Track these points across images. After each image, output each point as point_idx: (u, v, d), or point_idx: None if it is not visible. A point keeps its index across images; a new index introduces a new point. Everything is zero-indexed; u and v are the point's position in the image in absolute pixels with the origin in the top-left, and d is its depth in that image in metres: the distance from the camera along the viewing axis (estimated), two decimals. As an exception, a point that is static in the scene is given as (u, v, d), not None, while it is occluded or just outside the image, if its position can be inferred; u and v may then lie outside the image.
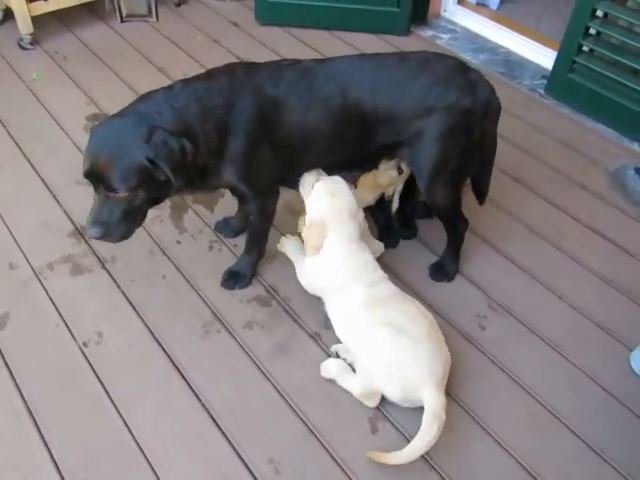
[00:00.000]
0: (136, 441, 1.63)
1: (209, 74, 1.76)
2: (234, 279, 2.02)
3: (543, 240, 2.28)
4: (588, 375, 1.86)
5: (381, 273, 1.83)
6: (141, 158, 1.52)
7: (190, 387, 1.75)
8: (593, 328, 2.00)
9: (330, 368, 1.77)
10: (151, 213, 2.26)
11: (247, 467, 1.58)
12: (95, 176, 1.55)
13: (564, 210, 2.41)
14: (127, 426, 1.65)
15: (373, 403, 1.69)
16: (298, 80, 1.73)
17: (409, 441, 1.56)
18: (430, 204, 2.00)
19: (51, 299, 1.96)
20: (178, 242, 2.18)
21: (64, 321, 1.90)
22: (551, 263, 2.20)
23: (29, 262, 2.08)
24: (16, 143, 2.56)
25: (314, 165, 1.85)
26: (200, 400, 1.72)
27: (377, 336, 1.64)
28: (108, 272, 2.06)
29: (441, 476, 1.59)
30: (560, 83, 2.92)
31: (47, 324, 1.90)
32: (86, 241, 2.15)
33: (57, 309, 1.93)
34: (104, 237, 1.61)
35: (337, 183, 1.83)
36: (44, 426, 1.65)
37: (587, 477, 1.63)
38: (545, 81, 3.03)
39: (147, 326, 1.90)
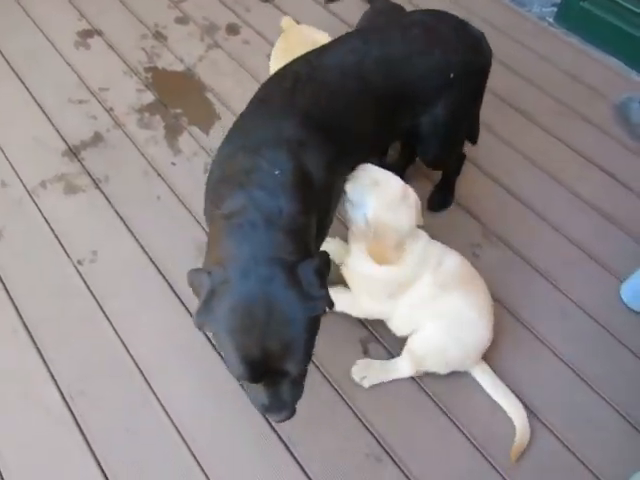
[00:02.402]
0: (130, 355, 1.67)
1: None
2: None
3: (542, 172, 2.26)
4: (578, 305, 1.90)
5: (439, 245, 1.67)
6: (305, 322, 1.09)
7: (183, 304, 1.78)
8: (586, 259, 2.02)
9: (367, 373, 1.68)
10: (145, 134, 2.25)
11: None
12: (266, 372, 1.09)
13: (565, 142, 2.38)
14: (121, 340, 1.69)
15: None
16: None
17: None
18: (435, 168, 1.96)
19: (45, 218, 1.96)
20: (173, 164, 2.15)
21: (58, 240, 1.90)
22: (548, 195, 2.19)
23: (22, 181, 2.06)
24: (6, 60, 2.48)
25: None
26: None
27: (437, 327, 1.61)
28: (102, 192, 2.04)
29: (429, 395, 1.66)
30: (571, 11, 2.81)
31: (41, 242, 1.90)
32: (79, 160, 2.13)
33: (51, 228, 1.93)
34: (293, 414, 1.19)
35: (371, 169, 1.55)
36: (40, 340, 1.69)
37: (571, 401, 1.69)
38: (555, 9, 2.91)
39: (141, 246, 1.91)
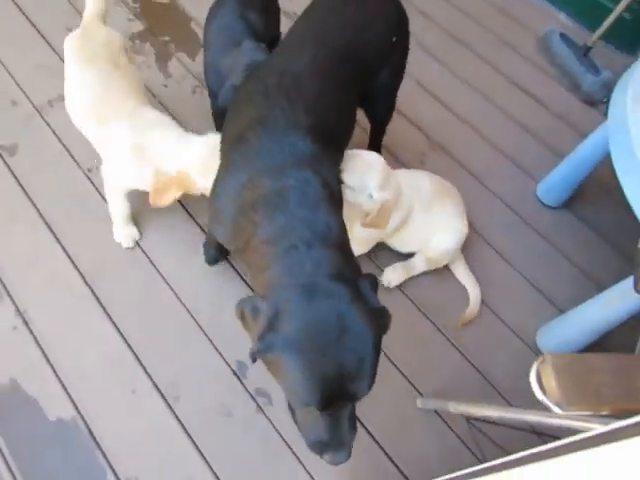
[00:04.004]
0: (141, 248, 1.68)
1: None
2: None
3: (476, 92, 2.26)
4: (503, 201, 1.97)
5: (408, 174, 1.67)
6: (376, 339, 0.89)
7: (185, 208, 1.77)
8: (509, 164, 2.08)
9: (395, 275, 1.70)
10: (137, 59, 2.12)
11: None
12: (337, 395, 0.87)
13: (495, 68, 2.37)
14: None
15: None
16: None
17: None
18: (382, 125, 1.76)
19: (54, 132, 1.87)
20: (165, 86, 2.06)
21: (68, 151, 1.83)
22: (481, 111, 2.21)
23: (30, 99, 1.94)
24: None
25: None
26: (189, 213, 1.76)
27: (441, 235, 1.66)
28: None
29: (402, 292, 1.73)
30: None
31: (52, 153, 1.82)
32: (80, 82, 2.02)
33: (60, 140, 1.85)
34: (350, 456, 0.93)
35: (358, 154, 1.44)
36: (58, 231, 1.66)
37: (491, 272, 1.80)
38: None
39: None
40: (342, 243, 1.00)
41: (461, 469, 1.07)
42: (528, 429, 1.37)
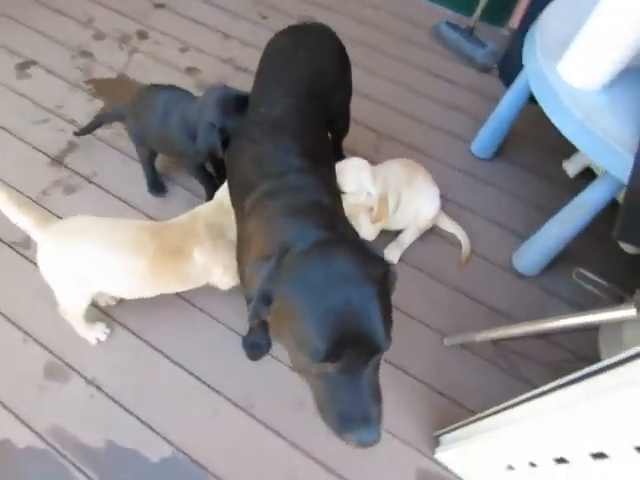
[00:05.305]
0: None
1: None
2: None
3: (401, 86, 2.34)
4: (447, 164, 2.06)
5: (382, 166, 1.72)
6: (384, 280, 0.76)
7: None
8: (444, 135, 2.17)
9: (393, 253, 1.73)
10: (111, 132, 2.04)
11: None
12: (356, 344, 0.69)
13: (408, 62, 2.46)
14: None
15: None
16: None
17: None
18: (341, 138, 1.77)
19: (58, 216, 1.77)
20: (142, 149, 1.99)
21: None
22: (410, 100, 2.28)
23: (23, 194, 1.82)
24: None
25: None
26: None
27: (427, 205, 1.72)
28: (96, 185, 1.87)
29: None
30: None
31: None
32: (65, 166, 1.91)
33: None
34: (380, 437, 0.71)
35: (347, 162, 1.49)
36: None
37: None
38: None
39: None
40: (337, 211, 1.00)
41: (500, 387, 1.12)
42: (538, 336, 1.45)
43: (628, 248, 1.82)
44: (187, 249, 1.25)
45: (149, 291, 1.31)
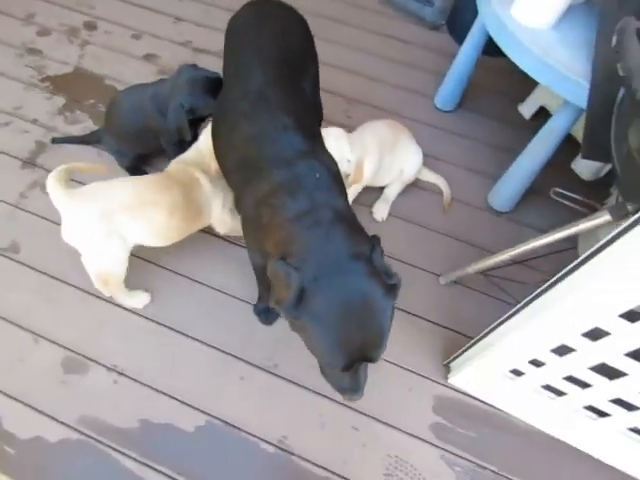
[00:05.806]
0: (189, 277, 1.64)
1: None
2: None
3: (361, 51, 2.41)
4: (416, 120, 2.15)
5: (360, 131, 1.78)
6: (390, 310, 0.93)
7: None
8: (408, 94, 2.26)
9: (382, 210, 1.82)
10: (76, 127, 2.00)
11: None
12: (358, 360, 0.93)
13: (363, 28, 2.53)
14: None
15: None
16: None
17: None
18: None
19: (42, 216, 1.73)
20: (115, 140, 1.96)
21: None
22: (371, 64, 2.36)
23: (4, 201, 1.76)
24: None
25: None
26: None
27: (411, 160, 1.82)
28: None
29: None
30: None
31: (49, 233, 1.69)
32: (39, 166, 1.86)
33: (52, 221, 1.72)
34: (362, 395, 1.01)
35: (326, 132, 1.57)
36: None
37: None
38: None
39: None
40: (353, 219, 1.02)
41: (494, 312, 1.25)
42: (519, 262, 1.59)
43: (585, 175, 2.00)
44: (195, 175, 1.43)
45: (172, 230, 1.41)
